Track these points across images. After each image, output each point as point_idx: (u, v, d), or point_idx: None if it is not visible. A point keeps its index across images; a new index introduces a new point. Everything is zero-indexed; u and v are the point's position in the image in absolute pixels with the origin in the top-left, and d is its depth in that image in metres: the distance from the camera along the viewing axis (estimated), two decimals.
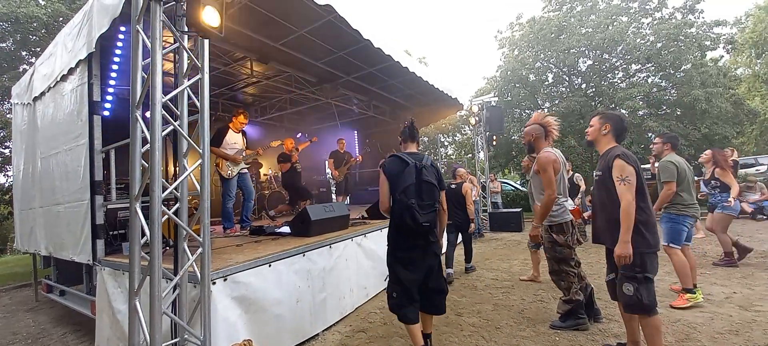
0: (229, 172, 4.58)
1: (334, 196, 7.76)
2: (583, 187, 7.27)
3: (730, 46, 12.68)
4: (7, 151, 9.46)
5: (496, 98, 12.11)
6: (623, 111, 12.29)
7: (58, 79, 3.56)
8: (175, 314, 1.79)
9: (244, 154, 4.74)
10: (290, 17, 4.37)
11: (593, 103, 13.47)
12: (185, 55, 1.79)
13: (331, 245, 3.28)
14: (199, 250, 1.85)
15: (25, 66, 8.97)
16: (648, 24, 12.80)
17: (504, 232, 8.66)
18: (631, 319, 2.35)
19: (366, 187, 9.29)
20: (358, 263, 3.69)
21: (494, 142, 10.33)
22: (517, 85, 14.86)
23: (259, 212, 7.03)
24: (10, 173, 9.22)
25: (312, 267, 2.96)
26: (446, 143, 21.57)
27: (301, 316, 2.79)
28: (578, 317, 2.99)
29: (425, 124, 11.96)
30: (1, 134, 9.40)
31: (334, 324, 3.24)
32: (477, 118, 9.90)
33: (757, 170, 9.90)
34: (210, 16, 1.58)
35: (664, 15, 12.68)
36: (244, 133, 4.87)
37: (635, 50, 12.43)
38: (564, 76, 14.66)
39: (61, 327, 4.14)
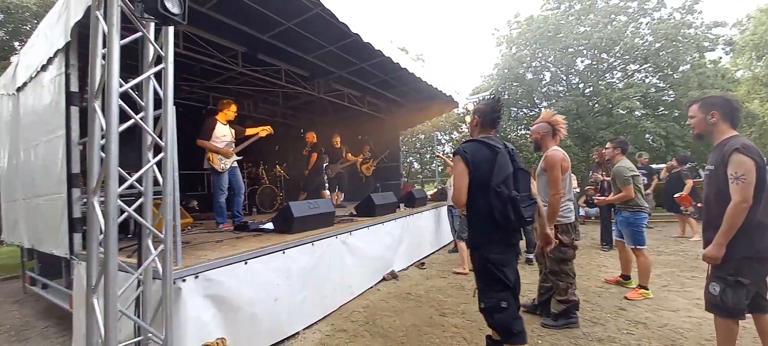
0: (223, 166, 4.56)
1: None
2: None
3: (729, 47, 12.60)
4: None
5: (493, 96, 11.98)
6: (621, 111, 12.21)
7: (39, 69, 3.48)
8: (137, 313, 1.74)
9: (232, 146, 4.71)
10: (277, 10, 4.31)
11: (591, 103, 13.39)
12: (149, 43, 1.72)
13: (314, 243, 3.22)
14: (161, 247, 1.79)
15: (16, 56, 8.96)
16: (647, 24, 12.70)
17: None
18: None
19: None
20: (342, 261, 3.63)
21: None
22: (515, 83, 14.79)
23: (250, 208, 6.98)
24: None
25: (292, 265, 2.90)
26: (444, 141, 21.50)
27: (278, 315, 2.73)
28: (570, 317, 3.01)
29: (421, 121, 11.89)
30: None
31: (315, 323, 3.19)
32: None
33: None
34: (170, 2, 1.52)
35: (662, 15, 12.58)
36: (232, 125, 4.83)
37: (633, 50, 12.34)
38: (561, 75, 14.58)
39: (44, 320, 4.09)
